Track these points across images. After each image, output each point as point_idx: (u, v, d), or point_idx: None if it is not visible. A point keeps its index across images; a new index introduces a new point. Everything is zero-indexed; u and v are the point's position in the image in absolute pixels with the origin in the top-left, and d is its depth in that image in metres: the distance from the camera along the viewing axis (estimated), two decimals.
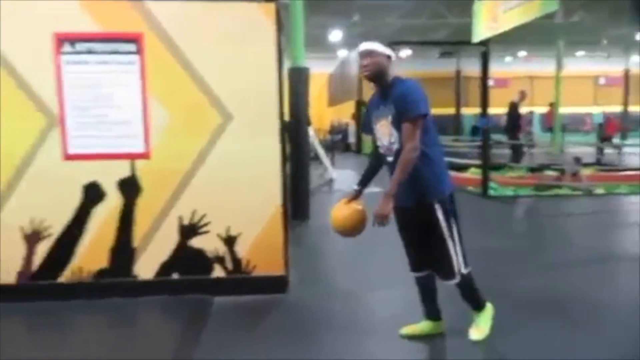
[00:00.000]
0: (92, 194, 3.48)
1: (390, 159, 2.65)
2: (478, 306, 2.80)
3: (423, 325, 2.88)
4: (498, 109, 16.98)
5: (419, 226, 2.65)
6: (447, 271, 2.65)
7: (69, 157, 3.45)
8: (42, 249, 3.49)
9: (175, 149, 3.51)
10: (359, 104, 15.45)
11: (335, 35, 16.62)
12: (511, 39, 12.15)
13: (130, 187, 3.50)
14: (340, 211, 2.75)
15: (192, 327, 3.12)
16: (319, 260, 4.71)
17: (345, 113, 17.32)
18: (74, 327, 3.29)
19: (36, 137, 3.41)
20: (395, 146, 2.59)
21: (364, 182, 2.86)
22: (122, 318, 3.36)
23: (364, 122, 2.91)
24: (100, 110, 3.48)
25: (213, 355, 2.76)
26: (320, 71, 17.27)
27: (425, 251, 2.69)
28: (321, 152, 9.70)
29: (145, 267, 3.56)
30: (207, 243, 3.57)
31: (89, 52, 3.42)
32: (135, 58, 3.43)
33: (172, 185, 3.52)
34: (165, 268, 3.56)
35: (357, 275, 4.10)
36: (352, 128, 16.63)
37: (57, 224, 3.48)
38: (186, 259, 3.57)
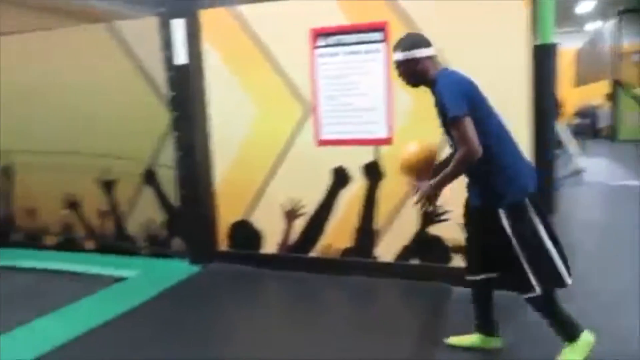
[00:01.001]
0: (340, 177, 3.74)
1: None
2: (566, 335, 2.37)
3: (474, 338, 2.64)
4: None
5: (483, 228, 2.42)
6: (521, 281, 2.30)
7: (321, 143, 3.77)
8: (298, 225, 3.91)
9: (417, 135, 3.48)
10: (616, 83, 13.33)
11: (585, 6, 14.62)
12: None
13: (373, 172, 3.64)
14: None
15: (430, 315, 3.10)
16: None
17: (593, 94, 15.15)
18: (321, 299, 3.60)
19: (295, 125, 3.81)
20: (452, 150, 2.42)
21: None
22: (363, 297, 3.54)
23: None
24: (347, 98, 3.69)
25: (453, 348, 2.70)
26: (562, 48, 15.41)
27: (489, 255, 2.45)
28: (567, 138, 8.63)
29: (386, 250, 3.67)
30: (447, 231, 3.49)
31: (339, 44, 3.64)
32: (381, 46, 3.53)
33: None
34: (405, 252, 3.62)
35: (610, 280, 3.53)
36: (603, 111, 14.48)
37: (310, 203, 3.85)
38: (426, 246, 3.56)
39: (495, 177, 2.30)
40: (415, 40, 2.41)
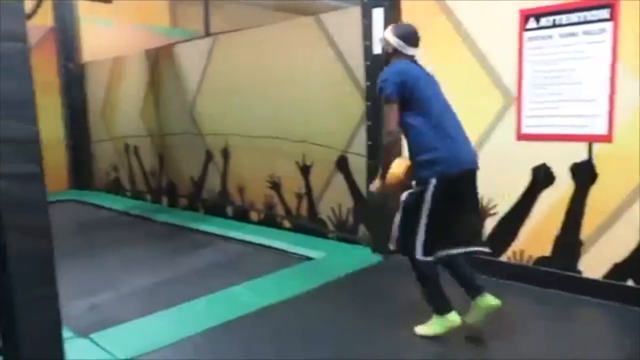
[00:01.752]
0: (542, 177, 3.31)
1: None
2: (432, 307, 2.68)
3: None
4: None
5: None
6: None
7: (522, 137, 3.39)
8: (488, 225, 3.60)
9: None
10: None
11: None
12: None
13: (584, 173, 3.14)
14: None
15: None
16: None
17: None
18: (510, 310, 3.24)
19: (494, 116, 3.50)
20: None
21: None
22: (562, 314, 3.09)
23: None
24: (558, 87, 3.24)
25: None
26: None
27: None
28: None
29: (593, 265, 3.15)
30: None
31: (554, 25, 3.21)
32: (607, 26, 2.99)
33: (638, 175, 2.94)
34: (618, 271, 3.05)
35: None
36: None
37: (503, 203, 3.51)
38: None
39: (411, 154, 2.64)
40: (407, 35, 2.69)
